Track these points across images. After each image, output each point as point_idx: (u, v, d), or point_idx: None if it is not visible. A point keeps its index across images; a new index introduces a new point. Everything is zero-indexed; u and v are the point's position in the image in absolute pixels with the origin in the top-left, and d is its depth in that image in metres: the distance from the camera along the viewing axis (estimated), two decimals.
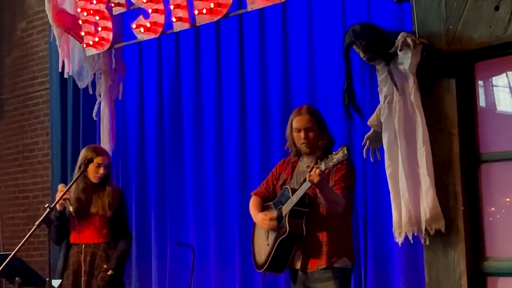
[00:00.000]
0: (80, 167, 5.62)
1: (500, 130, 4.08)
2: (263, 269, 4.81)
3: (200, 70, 7.28)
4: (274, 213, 4.78)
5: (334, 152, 4.43)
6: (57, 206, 5.50)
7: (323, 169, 4.43)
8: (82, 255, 5.57)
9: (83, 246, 5.59)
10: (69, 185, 5.51)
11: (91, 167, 5.61)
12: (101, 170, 5.61)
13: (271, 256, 4.70)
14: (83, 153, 5.71)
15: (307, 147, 4.78)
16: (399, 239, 4.14)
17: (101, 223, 5.60)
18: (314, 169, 4.45)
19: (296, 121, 4.79)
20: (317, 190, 4.53)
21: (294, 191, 4.66)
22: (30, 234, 5.23)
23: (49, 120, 8.80)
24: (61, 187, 5.58)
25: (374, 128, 4.47)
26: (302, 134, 4.76)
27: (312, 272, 4.66)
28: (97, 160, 5.61)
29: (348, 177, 4.69)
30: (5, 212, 9.50)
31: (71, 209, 5.55)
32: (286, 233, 4.61)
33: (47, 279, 5.29)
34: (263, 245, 4.82)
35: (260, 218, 4.83)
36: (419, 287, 5.48)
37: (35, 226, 5.18)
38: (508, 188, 4.06)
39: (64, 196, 5.48)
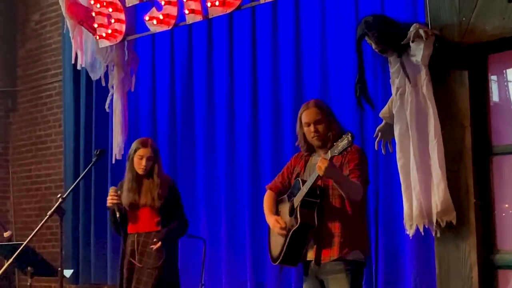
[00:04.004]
0: (128, 158, 5.77)
1: None
2: (277, 262, 4.82)
3: (213, 62, 7.29)
4: (286, 208, 4.79)
5: (339, 140, 4.45)
6: (108, 205, 5.70)
7: (328, 157, 4.44)
8: (135, 244, 5.63)
9: (135, 235, 5.66)
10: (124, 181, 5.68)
11: (135, 159, 5.68)
12: (144, 162, 5.64)
13: (284, 248, 4.71)
14: (132, 145, 5.83)
15: (318, 140, 4.78)
16: (410, 231, 4.13)
17: (152, 213, 5.65)
18: (320, 159, 4.46)
19: (305, 116, 4.80)
20: (332, 181, 4.54)
21: (304, 182, 4.68)
22: (42, 225, 5.28)
23: (62, 112, 8.83)
24: (112, 191, 5.69)
25: (386, 120, 4.46)
26: (312, 127, 4.77)
27: (324, 263, 4.66)
28: (139, 152, 5.67)
29: (362, 166, 4.69)
30: (18, 203, 9.55)
31: (117, 215, 5.65)
32: (298, 224, 4.62)
33: (59, 269, 5.33)
34: (278, 239, 4.83)
35: (272, 223, 4.86)
36: (430, 279, 5.47)
37: (47, 216, 5.23)
38: None
39: (114, 201, 5.63)
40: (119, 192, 5.69)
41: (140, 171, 5.68)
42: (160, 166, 5.76)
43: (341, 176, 4.57)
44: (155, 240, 5.56)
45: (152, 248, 5.54)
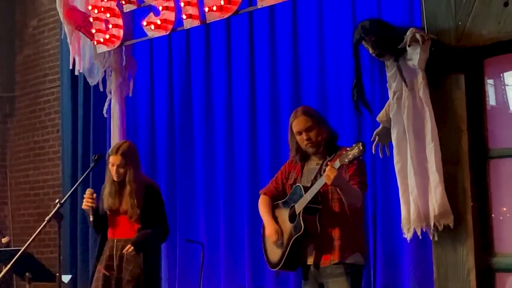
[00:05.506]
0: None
1: (509, 126, 4.08)
2: (277, 268, 4.81)
3: (211, 67, 7.30)
4: (285, 214, 4.79)
5: (349, 148, 4.44)
6: (83, 208, 5.59)
7: (337, 166, 4.43)
8: (114, 250, 5.54)
9: (115, 241, 5.55)
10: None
11: (109, 166, 5.59)
12: (114, 170, 5.54)
13: (286, 255, 4.71)
14: None
15: (312, 146, 4.79)
16: (408, 235, 4.13)
17: (132, 220, 5.52)
18: (328, 168, 4.46)
19: (295, 125, 4.81)
20: (337, 189, 4.55)
21: (306, 188, 4.67)
22: (40, 230, 5.28)
23: (60, 117, 8.84)
24: (87, 193, 5.58)
25: (383, 124, 4.47)
26: (304, 135, 4.77)
27: (324, 267, 4.66)
28: (110, 159, 5.58)
29: (361, 172, 4.71)
30: (16, 209, 9.55)
31: (91, 219, 5.53)
32: (302, 230, 4.61)
33: (57, 274, 5.32)
34: (276, 244, 4.83)
35: (270, 231, 4.80)
36: (428, 282, 5.47)
37: (45, 222, 5.22)
38: None
39: (89, 205, 5.52)
40: (94, 195, 5.56)
41: (115, 178, 5.57)
42: (135, 172, 5.55)
43: (346, 185, 4.57)
44: (129, 245, 5.44)
45: (127, 251, 5.43)
